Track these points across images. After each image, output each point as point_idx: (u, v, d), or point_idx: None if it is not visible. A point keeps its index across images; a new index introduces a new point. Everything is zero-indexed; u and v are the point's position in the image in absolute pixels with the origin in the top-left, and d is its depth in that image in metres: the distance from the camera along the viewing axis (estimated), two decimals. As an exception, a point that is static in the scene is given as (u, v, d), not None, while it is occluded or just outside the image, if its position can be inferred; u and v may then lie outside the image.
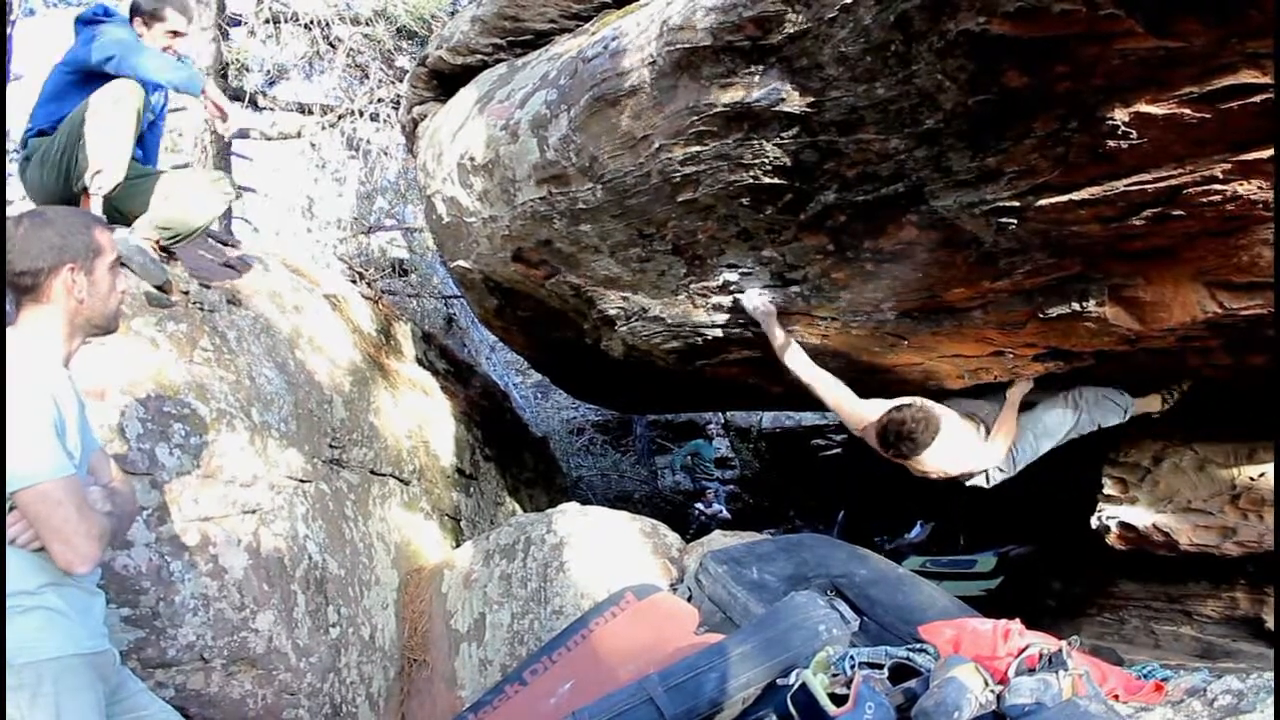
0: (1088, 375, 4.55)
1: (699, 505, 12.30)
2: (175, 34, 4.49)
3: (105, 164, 4.13)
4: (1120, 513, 4.95)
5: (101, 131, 4.13)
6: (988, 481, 4.66)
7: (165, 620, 3.57)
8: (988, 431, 4.58)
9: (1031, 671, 2.96)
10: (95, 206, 4.18)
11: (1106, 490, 5.06)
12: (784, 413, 12.89)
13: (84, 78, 4.25)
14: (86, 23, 4.36)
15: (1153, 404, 4.77)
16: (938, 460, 4.40)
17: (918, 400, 4.40)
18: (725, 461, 14.71)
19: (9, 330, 2.38)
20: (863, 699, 2.75)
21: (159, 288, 4.22)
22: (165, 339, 4.11)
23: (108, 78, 4.22)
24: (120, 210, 4.37)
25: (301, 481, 4.44)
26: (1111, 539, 4.98)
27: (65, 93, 4.27)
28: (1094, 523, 5.06)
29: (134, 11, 4.46)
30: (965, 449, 4.50)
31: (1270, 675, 2.80)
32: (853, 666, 3.13)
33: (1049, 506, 6.48)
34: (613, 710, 3.27)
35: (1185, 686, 3.06)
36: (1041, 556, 6.61)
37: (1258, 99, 2.61)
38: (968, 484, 4.69)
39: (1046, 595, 6.33)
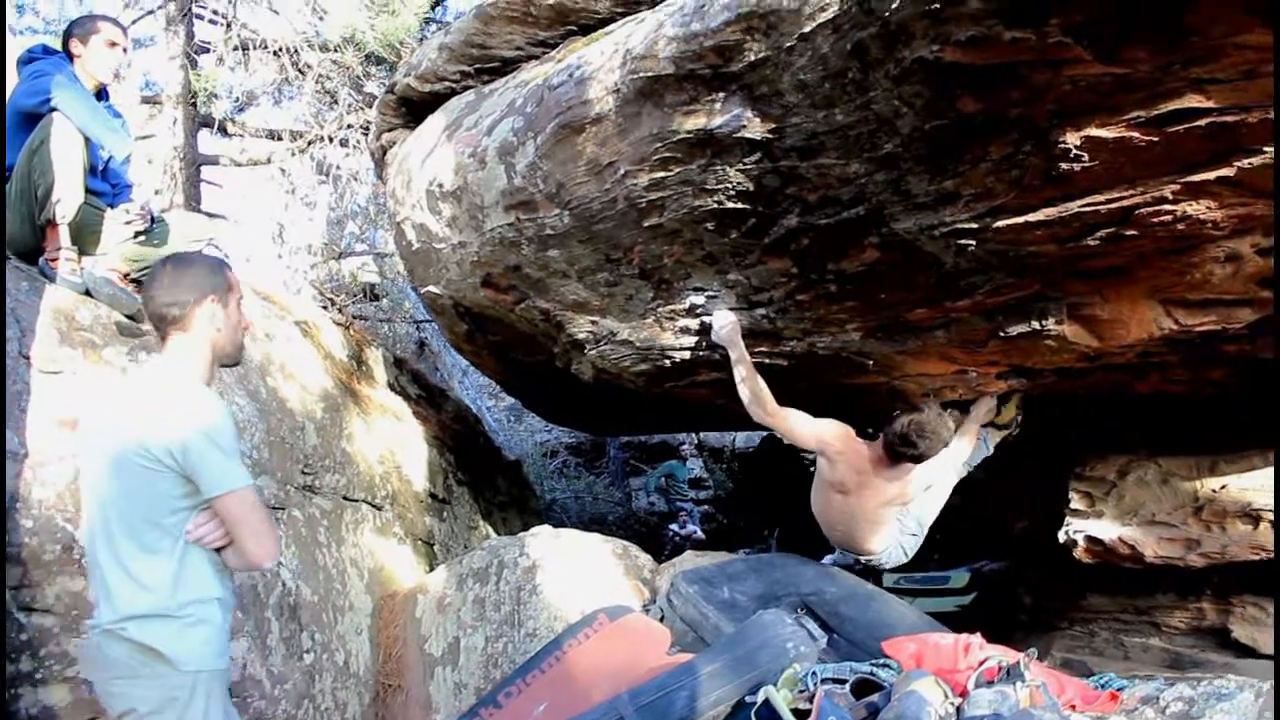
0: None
1: (673, 526, 12.24)
2: (112, 44, 4.46)
3: (60, 192, 4.17)
4: (1087, 526, 5.00)
5: (48, 163, 4.15)
6: (905, 555, 4.90)
7: (137, 649, 3.57)
8: None
9: (990, 684, 3.02)
10: (63, 235, 4.20)
11: (1073, 504, 5.11)
12: (757, 432, 12.92)
13: (25, 120, 4.24)
14: (25, 63, 4.37)
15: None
16: (929, 466, 4.58)
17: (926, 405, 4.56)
18: (699, 482, 14.65)
19: (157, 357, 2.78)
20: (824, 713, 2.79)
21: (130, 317, 4.23)
22: (136, 368, 4.11)
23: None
24: (81, 247, 4.37)
25: (274, 509, 4.45)
26: (1079, 552, 5.03)
27: (11, 138, 4.26)
28: (1062, 536, 5.11)
29: (68, 35, 4.43)
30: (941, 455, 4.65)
31: (1220, 682, 2.87)
32: (816, 682, 3.18)
33: (1019, 522, 6.54)
34: (584, 730, 3.30)
35: (1140, 695, 3.12)
36: (1014, 572, 6.65)
37: (1202, 123, 2.70)
38: (870, 561, 4.92)
39: (1019, 610, 6.36)
